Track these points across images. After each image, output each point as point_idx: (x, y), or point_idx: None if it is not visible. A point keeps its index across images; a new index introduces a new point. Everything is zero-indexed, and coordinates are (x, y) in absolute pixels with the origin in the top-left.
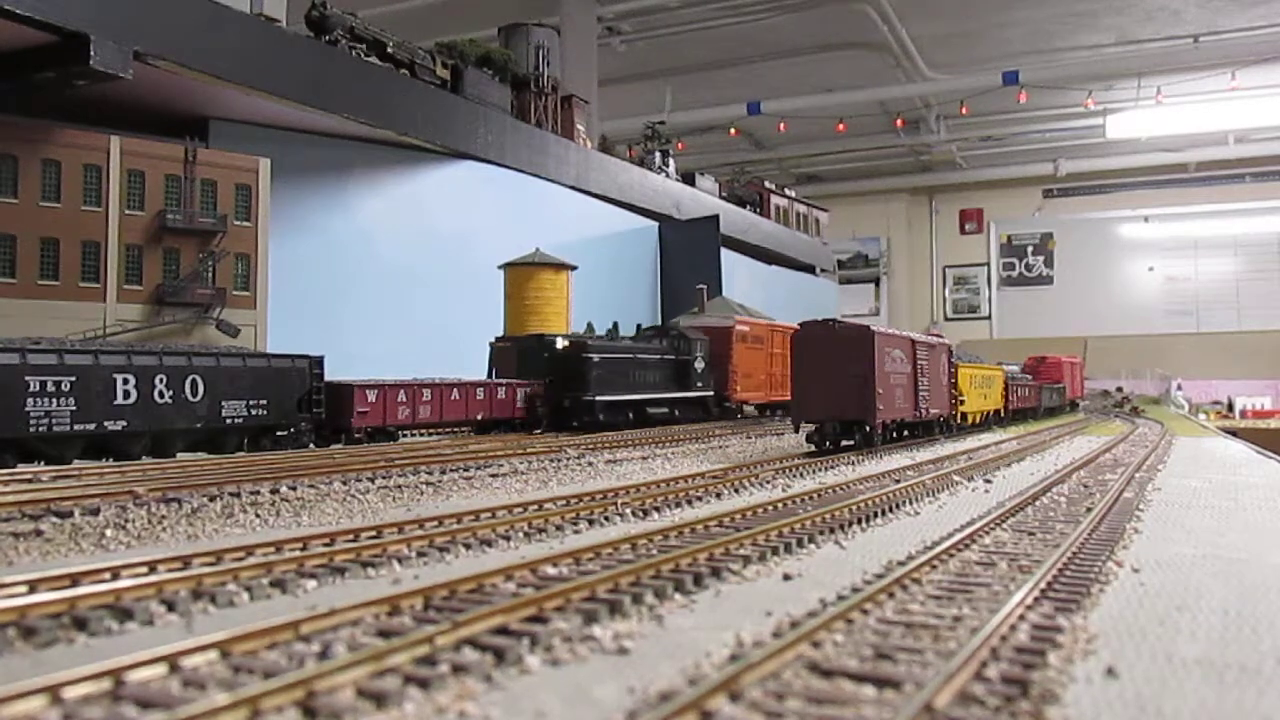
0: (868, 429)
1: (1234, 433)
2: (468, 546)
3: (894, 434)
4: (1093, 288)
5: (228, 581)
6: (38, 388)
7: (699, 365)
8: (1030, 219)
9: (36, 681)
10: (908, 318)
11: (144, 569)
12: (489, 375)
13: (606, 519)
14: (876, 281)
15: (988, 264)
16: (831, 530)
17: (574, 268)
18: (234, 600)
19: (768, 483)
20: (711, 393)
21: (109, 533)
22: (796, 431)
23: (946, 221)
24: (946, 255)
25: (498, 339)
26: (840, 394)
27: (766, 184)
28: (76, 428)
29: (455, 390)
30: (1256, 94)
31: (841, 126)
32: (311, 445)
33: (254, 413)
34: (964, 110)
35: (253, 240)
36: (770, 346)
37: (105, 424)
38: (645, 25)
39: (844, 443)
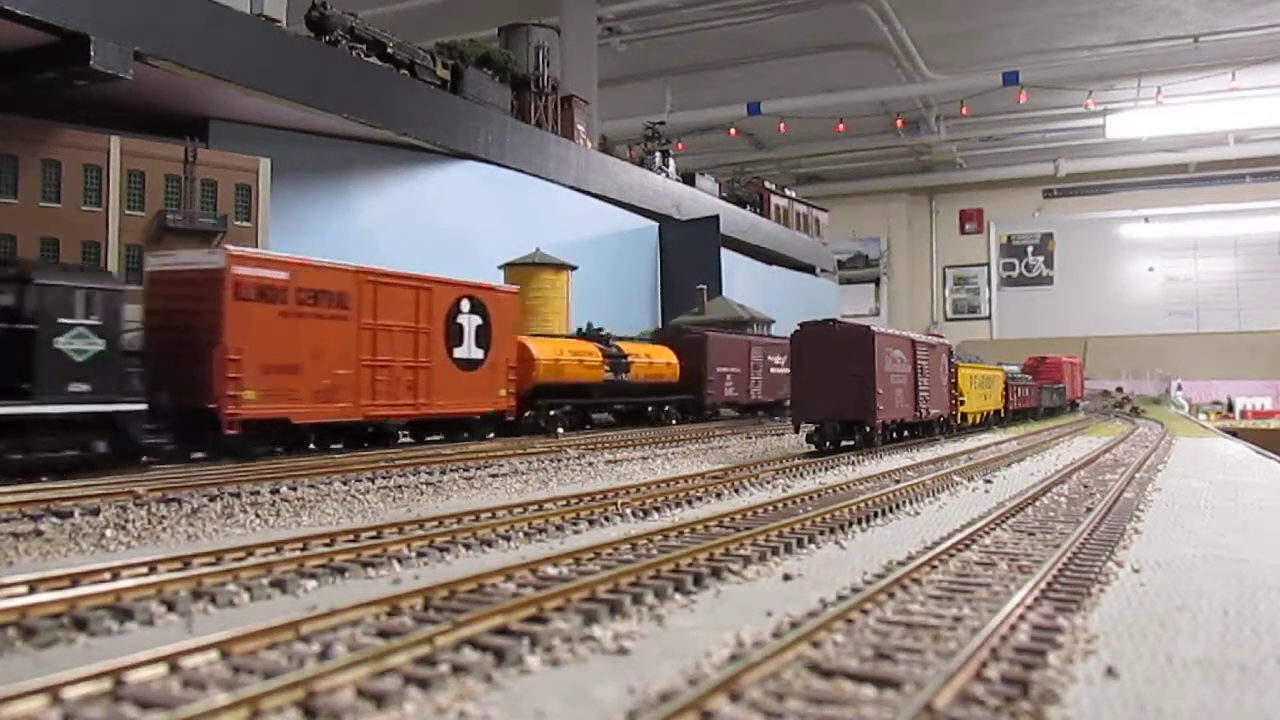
0: (868, 429)
1: (1234, 433)
2: (468, 546)
3: (894, 434)
4: (1093, 288)
5: (228, 581)
6: None
7: (74, 346)
8: (1030, 219)
9: (36, 681)
10: (908, 318)
11: (144, 569)
12: None
13: (606, 519)
14: (876, 282)
15: (988, 264)
16: (831, 530)
17: (574, 268)
18: (234, 600)
19: (768, 483)
20: (137, 404)
21: (109, 533)
22: (796, 431)
23: (946, 221)
24: (946, 255)
25: None
26: (840, 394)
27: (766, 184)
28: None
29: None
30: (1256, 94)
31: (841, 126)
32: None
33: None
34: (964, 110)
35: (253, 240)
36: (371, 311)
37: None
38: (645, 25)
39: (844, 443)
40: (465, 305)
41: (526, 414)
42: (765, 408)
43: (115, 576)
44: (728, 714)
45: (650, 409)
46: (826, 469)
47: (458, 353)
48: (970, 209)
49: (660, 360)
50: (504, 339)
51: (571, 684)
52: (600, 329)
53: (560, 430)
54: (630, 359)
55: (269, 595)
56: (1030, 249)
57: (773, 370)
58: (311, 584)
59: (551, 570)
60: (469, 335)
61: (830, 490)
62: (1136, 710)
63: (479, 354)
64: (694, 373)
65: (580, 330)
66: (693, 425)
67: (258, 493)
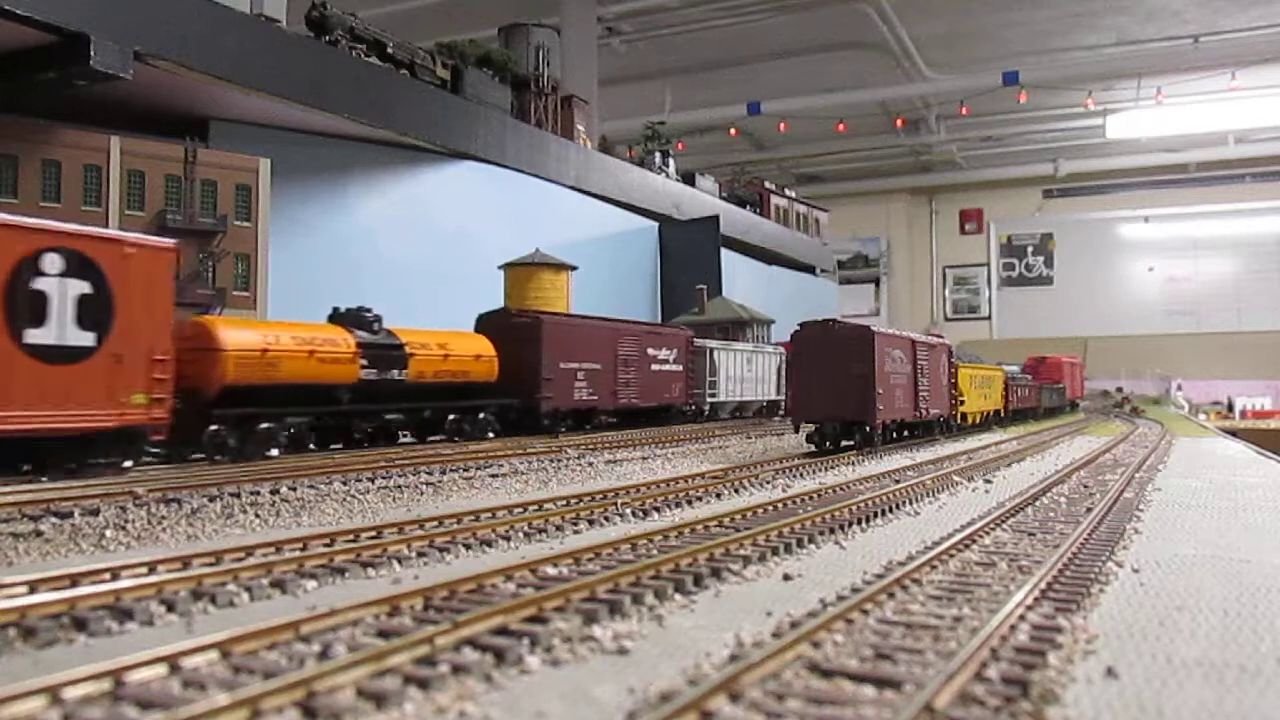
0: (868, 429)
1: (1234, 433)
2: (468, 546)
3: (894, 434)
4: (1093, 288)
5: (228, 582)
6: None
7: None
8: (1030, 219)
9: (36, 681)
10: (908, 318)
11: (144, 569)
12: None
13: (606, 519)
14: (876, 282)
15: (988, 264)
16: (831, 530)
17: (574, 268)
18: (234, 600)
19: (768, 483)
20: None
21: (109, 533)
22: (796, 432)
23: (946, 221)
24: (946, 255)
25: None
26: (840, 394)
27: (766, 184)
28: None
29: None
30: (1256, 94)
31: (841, 126)
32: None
33: None
34: (964, 110)
35: (253, 240)
36: None
37: None
38: (645, 25)
39: (844, 443)
40: (53, 263)
41: (213, 428)
42: (644, 414)
43: (115, 577)
44: (728, 714)
45: (452, 419)
46: (826, 469)
47: (35, 336)
48: (970, 209)
49: (464, 353)
50: (141, 317)
51: (571, 684)
52: (367, 310)
53: (274, 452)
54: (408, 350)
55: (269, 595)
56: (1030, 249)
57: (654, 367)
58: (311, 584)
59: (551, 570)
60: (60, 310)
61: (830, 490)
62: (1137, 710)
63: (85, 339)
64: (523, 369)
65: (336, 311)
66: (693, 425)
67: (257, 493)
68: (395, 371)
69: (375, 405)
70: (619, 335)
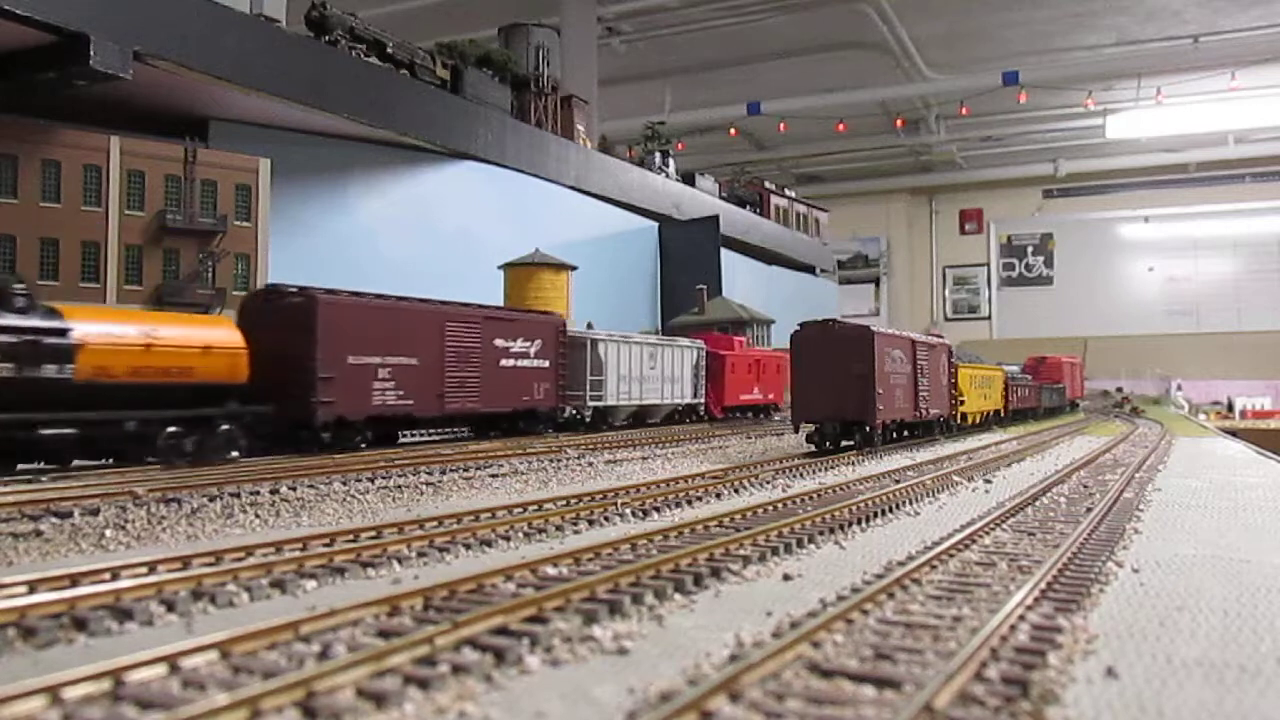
0: (868, 429)
1: (1234, 433)
2: (468, 547)
3: (894, 434)
4: (1093, 288)
5: (227, 582)
6: None
7: None
8: (1030, 219)
9: (36, 681)
10: (908, 318)
11: (144, 569)
12: None
13: (606, 519)
14: (876, 282)
15: (988, 264)
16: (831, 530)
17: (574, 268)
18: (234, 600)
19: (768, 483)
20: None
21: (109, 533)
22: (796, 432)
23: (946, 221)
24: (946, 255)
25: None
26: (840, 394)
27: (766, 184)
28: None
29: None
30: (1256, 94)
31: (841, 127)
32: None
33: None
34: (964, 110)
35: (253, 240)
36: None
37: None
38: (645, 25)
39: (844, 443)
40: None
41: None
42: (493, 422)
43: (115, 576)
44: (728, 714)
45: (170, 433)
46: (826, 469)
47: None
48: (970, 209)
49: (182, 343)
50: None
51: (571, 684)
52: (13, 282)
53: None
54: (78, 338)
55: (269, 595)
56: (1030, 249)
57: (505, 362)
58: (311, 584)
59: (551, 570)
60: None
61: (830, 490)
62: (1137, 710)
63: None
64: (290, 365)
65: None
66: (693, 425)
67: (257, 493)
68: (52, 367)
69: (15, 415)
70: (447, 321)
